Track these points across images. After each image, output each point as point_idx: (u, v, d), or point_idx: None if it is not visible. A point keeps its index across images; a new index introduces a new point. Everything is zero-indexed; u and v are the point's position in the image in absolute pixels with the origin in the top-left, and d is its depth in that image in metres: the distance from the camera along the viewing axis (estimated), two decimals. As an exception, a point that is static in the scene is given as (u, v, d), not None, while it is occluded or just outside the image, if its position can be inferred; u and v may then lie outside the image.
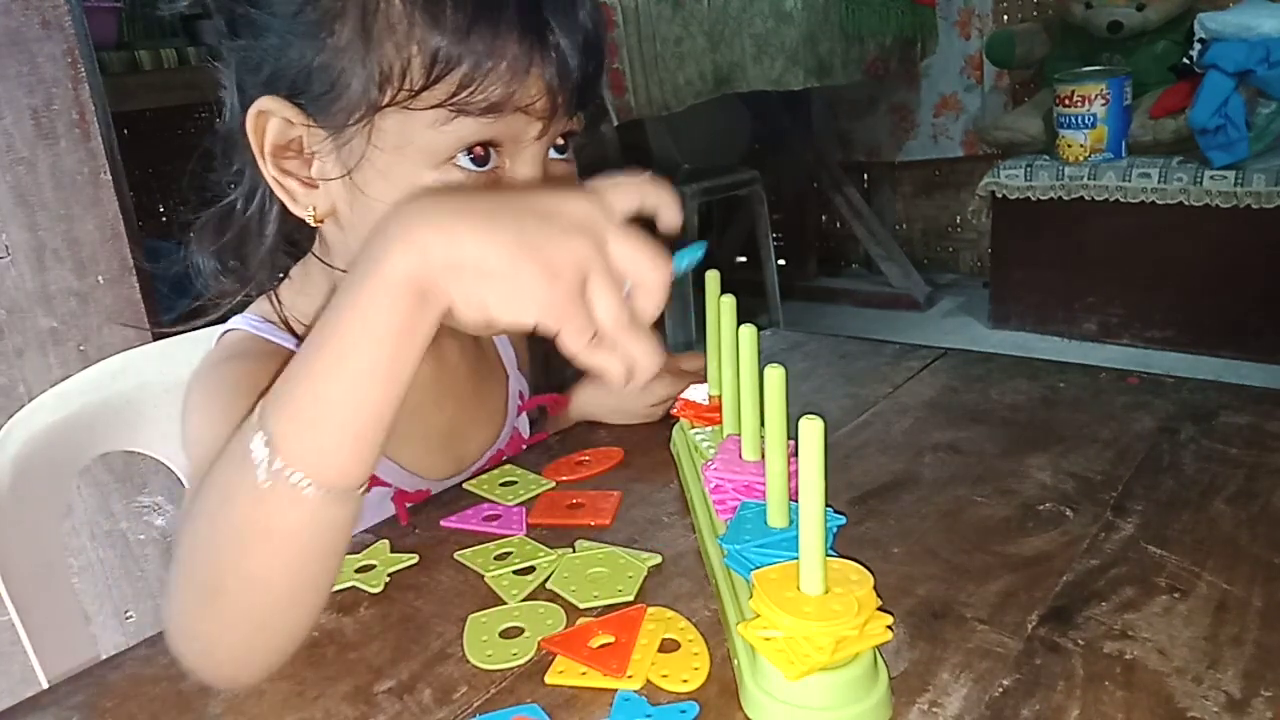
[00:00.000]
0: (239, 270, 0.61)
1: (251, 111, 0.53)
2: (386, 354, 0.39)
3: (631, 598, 0.50)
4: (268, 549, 0.40)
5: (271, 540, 0.40)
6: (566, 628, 0.48)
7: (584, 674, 0.43)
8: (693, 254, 0.43)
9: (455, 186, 0.52)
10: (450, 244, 0.38)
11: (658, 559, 0.54)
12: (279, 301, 0.62)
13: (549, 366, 0.83)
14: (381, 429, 0.40)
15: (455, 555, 0.56)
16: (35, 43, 1.00)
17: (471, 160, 0.53)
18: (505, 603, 0.51)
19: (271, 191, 0.57)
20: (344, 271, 0.61)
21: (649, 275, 0.40)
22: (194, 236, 0.60)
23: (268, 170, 0.55)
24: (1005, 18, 3.14)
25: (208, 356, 0.63)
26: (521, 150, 0.54)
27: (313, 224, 0.57)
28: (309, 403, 0.40)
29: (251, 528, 0.40)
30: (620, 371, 0.40)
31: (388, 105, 0.51)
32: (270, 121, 0.54)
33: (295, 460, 0.39)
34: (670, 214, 0.44)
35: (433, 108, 0.50)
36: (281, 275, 0.64)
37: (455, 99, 0.50)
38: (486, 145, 0.53)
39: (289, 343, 0.61)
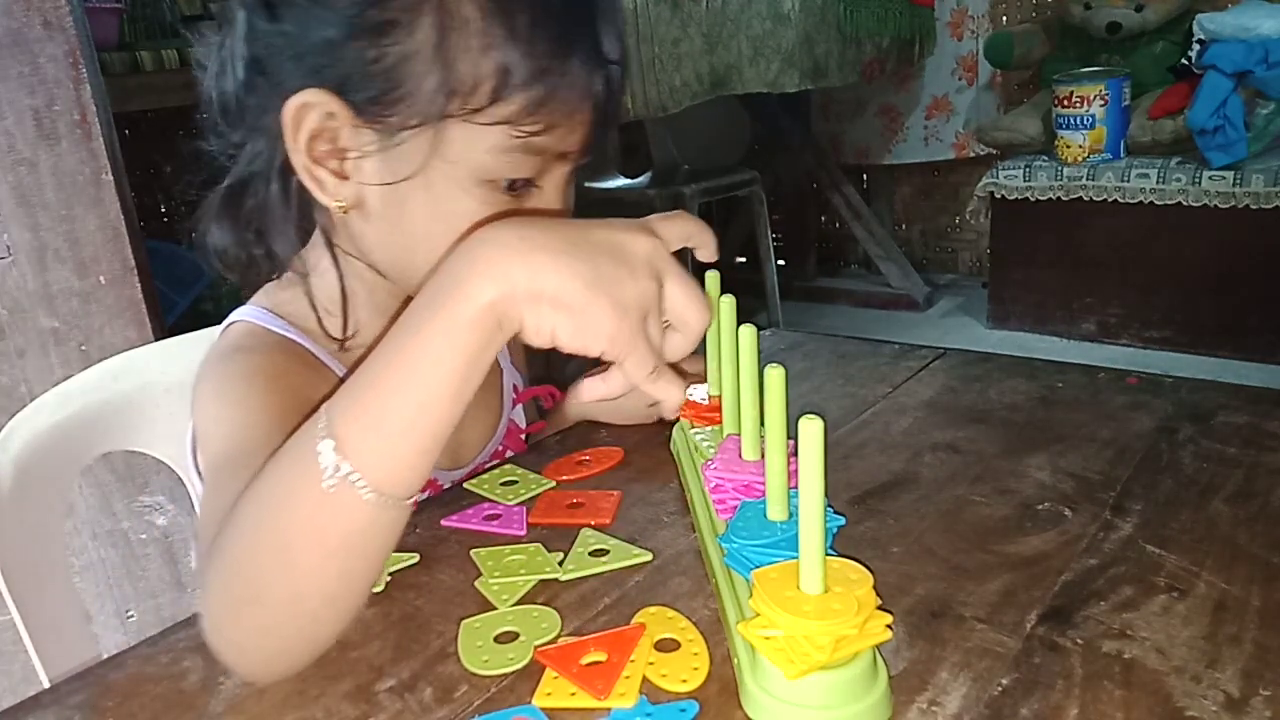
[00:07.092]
0: (258, 249, 0.59)
1: (294, 103, 0.52)
2: (460, 374, 0.41)
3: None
4: (321, 551, 0.41)
5: (326, 543, 0.41)
6: (562, 633, 0.47)
7: (573, 694, 0.42)
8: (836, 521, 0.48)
9: (496, 206, 0.54)
10: (532, 275, 0.40)
11: (648, 555, 0.54)
12: (306, 282, 0.61)
13: (549, 364, 0.83)
14: (440, 443, 0.42)
15: (471, 553, 0.56)
16: (37, 43, 1.00)
17: (509, 184, 0.54)
18: (497, 607, 0.50)
19: (289, 168, 0.55)
20: (353, 256, 0.60)
21: (697, 319, 0.44)
22: (207, 214, 0.59)
23: (299, 159, 0.54)
24: (1004, 19, 3.14)
25: (213, 350, 0.62)
26: (553, 172, 0.56)
27: (339, 214, 0.56)
28: (379, 414, 0.41)
29: (308, 530, 0.41)
30: (676, 401, 0.43)
31: (448, 117, 0.51)
32: (311, 114, 0.52)
33: (360, 465, 0.40)
34: (709, 250, 0.49)
35: (494, 124, 0.51)
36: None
37: (518, 118, 0.50)
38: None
39: (292, 333, 0.61)
